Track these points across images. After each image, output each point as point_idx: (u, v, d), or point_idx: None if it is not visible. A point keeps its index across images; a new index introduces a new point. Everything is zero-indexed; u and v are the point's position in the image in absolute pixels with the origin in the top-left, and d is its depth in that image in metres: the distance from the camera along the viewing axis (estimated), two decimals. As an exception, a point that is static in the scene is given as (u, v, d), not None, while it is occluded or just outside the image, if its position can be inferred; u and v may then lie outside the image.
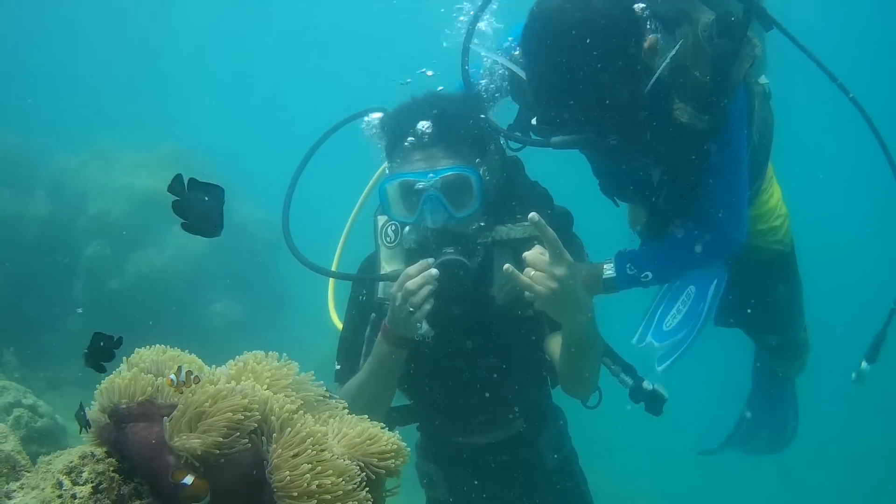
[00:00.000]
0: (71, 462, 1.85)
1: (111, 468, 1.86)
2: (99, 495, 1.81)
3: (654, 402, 3.60)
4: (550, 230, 3.02)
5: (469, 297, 3.39)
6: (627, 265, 3.39)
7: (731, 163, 3.34)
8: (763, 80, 3.77)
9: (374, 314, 3.54)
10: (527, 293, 3.17)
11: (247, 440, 1.79)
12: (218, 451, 1.75)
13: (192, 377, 1.88)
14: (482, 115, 3.41)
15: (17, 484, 1.92)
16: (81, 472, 1.83)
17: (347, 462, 1.85)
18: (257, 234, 11.56)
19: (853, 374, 4.46)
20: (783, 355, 4.56)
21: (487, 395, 3.61)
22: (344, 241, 3.92)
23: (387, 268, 3.48)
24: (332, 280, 3.85)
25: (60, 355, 9.09)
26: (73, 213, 10.85)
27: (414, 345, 3.43)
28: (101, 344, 1.96)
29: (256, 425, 1.82)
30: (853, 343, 4.77)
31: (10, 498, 1.86)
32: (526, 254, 3.10)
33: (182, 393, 1.86)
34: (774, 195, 4.11)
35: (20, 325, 9.39)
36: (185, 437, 1.76)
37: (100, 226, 10.62)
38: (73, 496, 1.79)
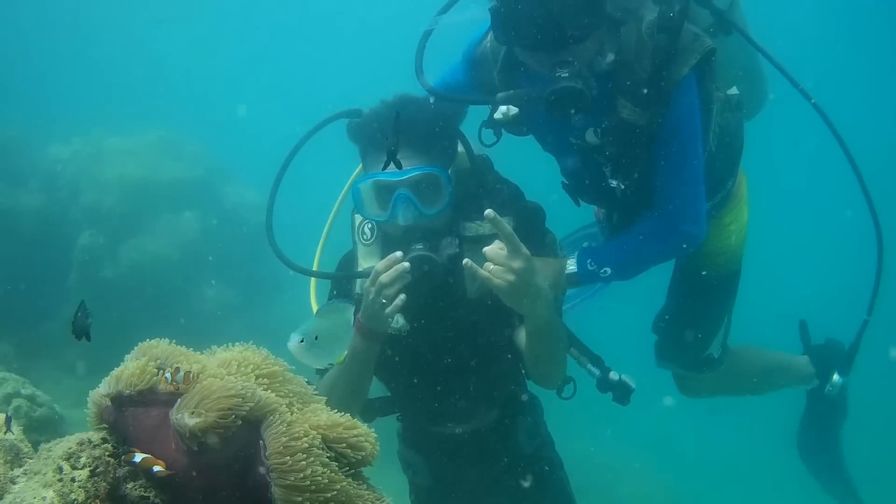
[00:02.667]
0: (70, 448, 1.98)
1: (107, 453, 1.99)
2: (96, 478, 1.94)
3: (621, 393, 3.74)
4: (506, 225, 3.15)
5: (441, 291, 3.54)
6: (588, 261, 3.51)
7: (683, 158, 3.45)
8: (733, 90, 3.88)
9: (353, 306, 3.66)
10: (496, 282, 3.31)
11: (240, 422, 1.91)
12: (211, 430, 1.88)
13: (191, 376, 2.01)
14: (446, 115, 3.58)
15: (21, 470, 2.05)
16: (80, 457, 1.97)
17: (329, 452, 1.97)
18: (249, 218, 11.56)
19: (827, 388, 4.59)
20: (688, 361, 4.57)
21: (463, 385, 3.75)
22: (324, 241, 4.03)
23: (363, 264, 3.64)
24: (313, 281, 3.95)
25: (57, 344, 9.10)
26: (66, 204, 10.87)
27: (390, 338, 3.57)
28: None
29: (248, 412, 1.93)
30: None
31: (14, 483, 2.00)
32: (485, 248, 3.24)
33: (177, 390, 1.99)
34: (738, 218, 4.23)
35: (17, 317, 9.41)
36: (182, 415, 1.89)
37: (93, 215, 10.63)
38: (73, 479, 1.91)
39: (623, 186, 3.57)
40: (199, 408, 1.89)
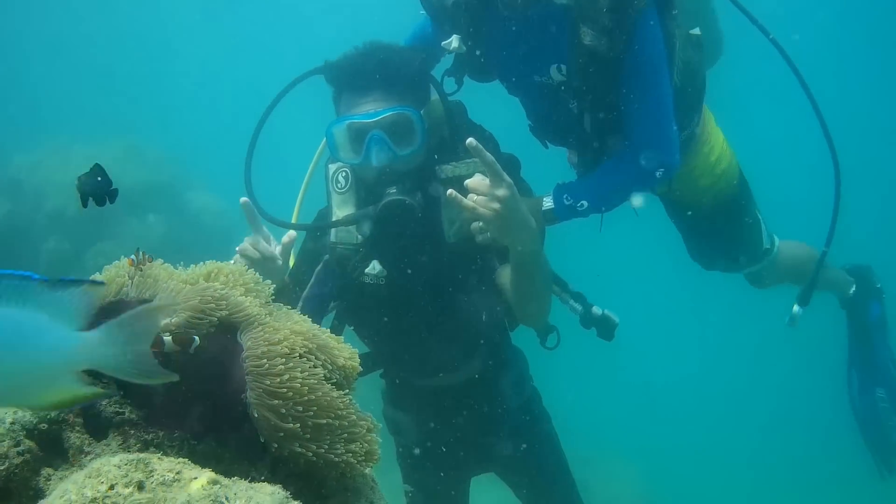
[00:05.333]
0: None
1: (78, 372, 1.94)
2: (69, 395, 1.90)
3: (604, 328, 3.72)
4: (487, 153, 3.12)
5: (418, 236, 3.53)
6: (564, 196, 3.50)
7: (651, 87, 3.43)
8: (695, 31, 3.86)
9: (326, 256, 3.68)
10: (473, 225, 3.31)
11: (215, 320, 1.87)
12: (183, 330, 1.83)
13: (147, 256, 1.98)
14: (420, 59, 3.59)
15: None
16: (51, 377, 1.92)
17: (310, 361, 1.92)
18: (213, 223, 11.57)
19: (787, 319, 4.63)
20: (750, 262, 4.71)
21: (443, 334, 3.73)
22: (303, 194, 4.02)
23: (339, 213, 3.62)
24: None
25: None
26: (31, 211, 10.83)
27: (368, 287, 3.59)
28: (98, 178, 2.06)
29: (223, 315, 1.89)
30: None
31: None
32: (467, 181, 3.20)
33: (142, 271, 1.95)
34: (715, 148, 4.26)
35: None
36: (154, 315, 1.84)
37: (58, 221, 10.60)
38: (43, 401, 1.87)
39: (591, 122, 3.58)
40: (171, 309, 1.84)
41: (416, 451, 4.18)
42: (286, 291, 3.63)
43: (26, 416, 1.80)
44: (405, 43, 3.90)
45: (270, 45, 24.90)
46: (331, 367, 1.97)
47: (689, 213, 4.37)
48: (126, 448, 1.83)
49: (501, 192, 3.13)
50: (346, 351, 2.04)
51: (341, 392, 1.94)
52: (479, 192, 3.16)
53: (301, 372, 1.85)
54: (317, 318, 3.47)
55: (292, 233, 3.31)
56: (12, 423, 1.78)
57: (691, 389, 18.45)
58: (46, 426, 1.83)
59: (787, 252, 4.78)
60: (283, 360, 1.84)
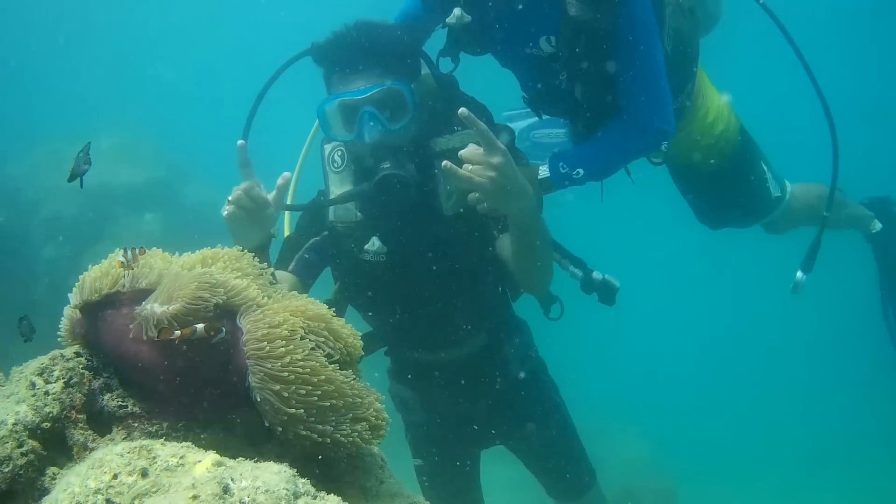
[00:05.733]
0: (42, 364, 1.92)
1: (80, 365, 1.92)
2: (71, 389, 1.88)
3: (605, 292, 3.72)
4: (480, 122, 3.09)
5: (415, 209, 3.52)
6: (560, 164, 3.49)
7: (643, 55, 3.43)
8: None
9: (325, 231, 3.69)
10: (470, 196, 3.29)
11: (211, 306, 1.84)
12: (180, 319, 1.80)
13: (138, 250, 1.96)
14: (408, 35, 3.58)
15: (-6, 397, 1.99)
16: (53, 371, 1.90)
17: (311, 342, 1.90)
18: (212, 217, 11.51)
19: (790, 286, 4.62)
20: (763, 214, 4.72)
21: (446, 308, 3.72)
22: (297, 176, 4.01)
23: (335, 192, 3.62)
24: (287, 214, 3.95)
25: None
26: (27, 219, 10.78)
27: (368, 265, 3.58)
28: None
29: (221, 300, 1.87)
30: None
31: (-13, 410, 1.93)
32: (461, 151, 3.18)
33: (132, 269, 1.93)
34: (711, 110, 4.26)
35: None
36: (151, 305, 1.82)
37: (55, 227, 10.55)
38: (47, 393, 1.85)
39: (582, 93, 3.58)
40: (168, 296, 1.82)
41: (424, 426, 4.19)
42: (284, 256, 3.69)
43: (28, 415, 1.79)
44: (397, 16, 3.90)
45: (259, 33, 24.83)
46: (333, 346, 1.95)
47: (695, 175, 4.41)
48: (130, 441, 1.81)
49: (496, 159, 3.11)
50: (348, 329, 2.02)
51: (345, 371, 1.93)
52: (473, 161, 3.14)
53: (302, 353, 1.82)
54: (307, 281, 3.60)
55: (286, 174, 3.29)
56: (14, 424, 1.77)
57: (700, 356, 18.50)
58: (49, 425, 1.82)
59: (800, 196, 4.77)
60: (284, 342, 1.82)
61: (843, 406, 14.42)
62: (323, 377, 1.84)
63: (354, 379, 1.94)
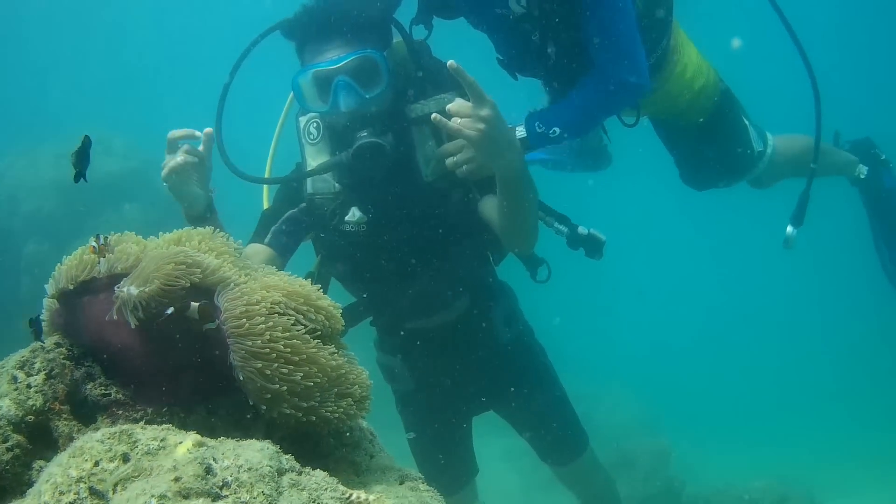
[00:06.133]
0: (23, 357, 1.89)
1: (61, 356, 1.90)
2: (53, 380, 1.86)
3: (591, 247, 3.72)
4: (468, 75, 3.11)
5: (395, 177, 3.54)
6: (536, 123, 3.48)
7: (613, 10, 3.43)
8: None
9: (303, 203, 3.70)
10: (449, 161, 3.36)
11: (187, 285, 1.82)
12: (156, 299, 1.79)
13: (112, 236, 1.95)
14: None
15: (-25, 395, 1.97)
16: (34, 363, 1.88)
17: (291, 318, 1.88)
18: (190, 204, 11.50)
19: (782, 240, 4.63)
20: (739, 170, 4.71)
21: (428, 275, 3.74)
22: (273, 150, 4.02)
23: (312, 164, 3.64)
24: (265, 188, 3.96)
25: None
26: (7, 216, 10.73)
27: (349, 235, 3.62)
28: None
29: (198, 280, 1.85)
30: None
31: (-31, 405, 1.91)
32: (448, 105, 3.20)
33: (105, 255, 1.91)
34: (689, 65, 4.24)
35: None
36: (128, 287, 1.80)
37: (35, 223, 10.51)
38: (29, 385, 1.83)
39: (555, 51, 3.57)
40: (143, 278, 1.80)
41: (413, 394, 4.21)
42: (260, 229, 3.71)
43: (11, 409, 1.77)
44: None
45: (229, 18, 24.74)
46: (314, 320, 1.93)
47: (677, 132, 4.44)
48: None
49: (485, 111, 3.13)
50: (328, 301, 2.01)
51: (328, 346, 1.91)
52: (462, 114, 3.16)
53: (283, 331, 1.81)
54: (284, 254, 3.62)
55: (208, 129, 3.30)
56: (-2, 419, 1.75)
57: (690, 315, 18.56)
58: (33, 418, 1.80)
59: (784, 149, 4.77)
60: (263, 318, 1.80)
61: (836, 357, 14.51)
62: (305, 354, 1.82)
63: (338, 353, 1.93)
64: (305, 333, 1.86)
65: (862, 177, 5.07)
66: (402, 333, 3.99)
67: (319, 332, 1.93)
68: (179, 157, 3.20)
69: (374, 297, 3.91)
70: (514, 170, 3.29)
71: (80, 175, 2.16)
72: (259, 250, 3.61)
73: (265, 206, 3.88)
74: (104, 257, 1.91)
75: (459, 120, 3.14)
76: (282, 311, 1.85)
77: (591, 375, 10.60)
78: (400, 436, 4.21)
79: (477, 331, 3.97)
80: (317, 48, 3.47)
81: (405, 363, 4.10)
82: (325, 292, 3.58)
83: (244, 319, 1.78)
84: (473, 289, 3.91)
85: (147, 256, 1.87)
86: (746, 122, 4.53)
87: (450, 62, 3.08)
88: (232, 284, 1.86)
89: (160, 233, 2.10)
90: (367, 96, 3.42)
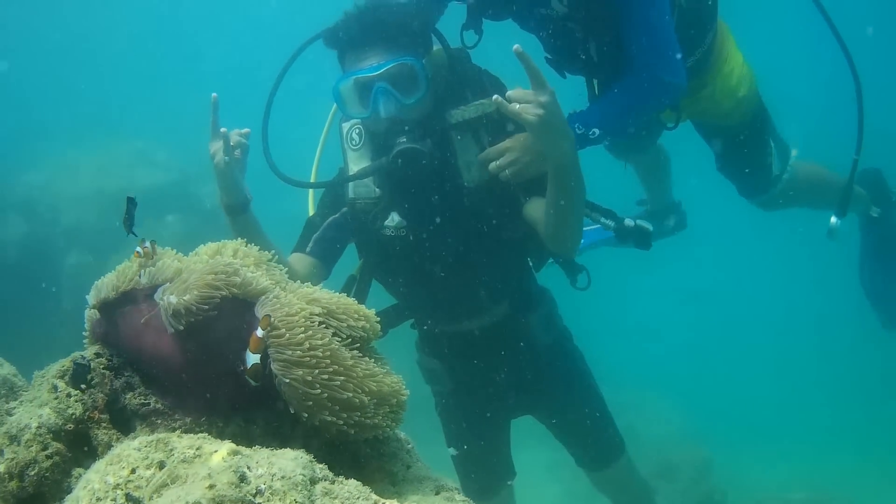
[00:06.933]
0: (63, 366, 1.93)
1: (101, 366, 1.94)
2: (93, 390, 1.89)
3: (640, 238, 3.73)
4: (531, 60, 3.12)
5: (435, 182, 3.59)
6: (576, 125, 3.49)
7: (648, 10, 3.48)
8: None
9: (345, 208, 3.76)
10: (492, 166, 3.44)
11: (223, 293, 1.84)
12: (195, 307, 1.81)
13: (152, 243, 1.98)
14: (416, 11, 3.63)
15: (17, 402, 2.01)
16: (74, 372, 1.92)
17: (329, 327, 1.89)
18: (231, 215, 11.57)
19: (825, 231, 4.61)
20: (756, 187, 4.75)
21: (468, 279, 3.78)
22: (319, 155, 4.10)
23: (354, 169, 3.69)
24: (310, 194, 4.03)
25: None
26: (48, 228, 10.80)
27: (390, 239, 3.68)
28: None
29: (237, 290, 1.87)
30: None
31: (10, 415, 1.94)
32: (509, 91, 3.21)
33: (150, 260, 1.95)
34: (735, 70, 4.27)
35: (15, 349, 9.32)
36: (168, 296, 1.83)
37: (76, 235, 10.57)
38: (69, 395, 1.86)
39: (596, 50, 3.66)
40: (183, 287, 1.82)
41: (452, 396, 4.25)
42: (303, 238, 3.79)
43: (51, 418, 1.80)
44: None
45: (265, 25, 24.87)
46: (353, 328, 1.95)
47: (733, 124, 4.44)
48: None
49: (545, 97, 3.14)
50: (364, 311, 2.02)
51: (365, 356, 1.93)
52: (521, 100, 3.17)
53: (321, 339, 1.82)
54: (327, 261, 3.71)
55: (246, 129, 3.43)
56: (38, 428, 1.78)
57: (733, 324, 18.40)
58: (73, 426, 1.83)
59: (802, 176, 4.80)
60: (302, 329, 1.82)
61: (886, 368, 14.31)
62: (343, 364, 1.84)
63: (374, 361, 1.95)
64: (343, 344, 1.88)
65: (875, 216, 5.15)
66: (442, 335, 4.04)
67: (358, 344, 1.95)
68: (233, 140, 3.34)
69: (414, 300, 3.97)
70: (567, 160, 3.29)
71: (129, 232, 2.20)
72: (302, 259, 3.70)
73: (310, 212, 3.94)
74: (149, 260, 1.95)
75: (518, 106, 3.15)
76: (321, 321, 1.87)
77: (632, 383, 10.54)
78: (437, 442, 4.22)
79: (515, 335, 3.98)
80: (357, 55, 3.52)
81: (444, 365, 4.13)
82: (366, 294, 3.65)
83: (284, 330, 1.79)
84: (512, 294, 3.93)
85: (187, 269, 1.89)
86: (772, 144, 4.56)
87: (515, 46, 3.06)
88: (272, 296, 1.88)
89: (200, 245, 2.13)
90: (406, 102, 3.47)
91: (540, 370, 4.08)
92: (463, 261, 3.73)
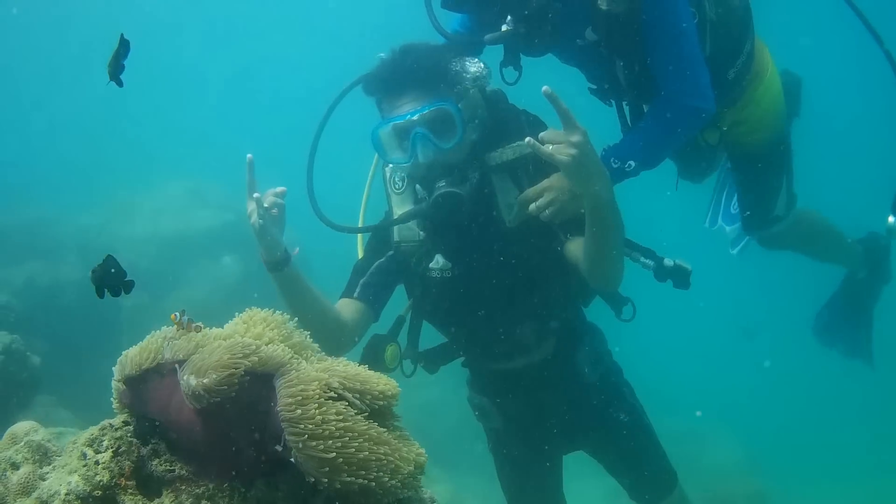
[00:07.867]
0: (92, 435, 2.02)
1: (128, 434, 2.02)
2: (119, 458, 1.97)
3: (679, 277, 3.72)
4: (562, 101, 3.15)
5: (477, 224, 3.64)
6: (612, 159, 3.54)
7: (672, 38, 3.51)
8: None
9: (391, 251, 3.83)
10: (532, 206, 3.45)
11: (243, 375, 1.90)
12: (214, 389, 1.86)
13: (188, 319, 2.06)
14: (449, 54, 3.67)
15: (50, 467, 2.09)
16: (102, 441, 2.00)
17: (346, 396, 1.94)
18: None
19: (884, 230, 4.62)
20: (757, 221, 4.71)
21: (513, 318, 3.82)
22: (366, 200, 4.13)
23: (398, 212, 3.74)
24: (359, 239, 4.08)
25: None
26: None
27: (436, 282, 3.74)
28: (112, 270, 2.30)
29: (253, 366, 1.92)
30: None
31: (44, 479, 2.03)
32: (542, 133, 3.25)
33: (187, 331, 2.05)
34: (769, 90, 4.31)
35: (77, 389, 9.45)
36: (188, 377, 1.89)
37: (133, 275, 10.70)
38: (97, 462, 1.94)
39: (628, 77, 3.72)
40: (202, 368, 1.89)
41: (502, 432, 4.26)
42: (351, 282, 3.83)
43: (80, 485, 1.88)
44: (453, 30, 4.00)
45: (308, 61, 25.04)
46: (373, 396, 1.99)
47: (750, 146, 4.41)
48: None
49: (576, 137, 3.17)
50: (382, 380, 2.06)
51: (383, 426, 1.97)
52: (554, 140, 3.21)
53: (336, 414, 1.87)
54: (375, 304, 3.76)
55: (281, 188, 3.43)
56: (67, 494, 1.87)
57: (791, 355, 18.15)
58: (101, 493, 1.90)
59: (806, 223, 4.83)
60: (316, 404, 1.86)
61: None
62: (358, 433, 1.88)
63: (391, 431, 1.99)
64: (359, 415, 1.92)
65: (859, 277, 5.25)
66: (490, 374, 4.08)
67: (375, 412, 2.00)
68: (267, 201, 3.36)
69: (462, 339, 4.00)
70: (603, 199, 3.31)
71: (115, 78, 2.21)
72: (350, 304, 3.74)
73: (360, 254, 4.00)
74: (181, 329, 2.06)
75: (551, 147, 3.19)
76: (336, 396, 1.92)
77: (685, 415, 10.45)
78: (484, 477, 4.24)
79: (562, 373, 3.99)
80: (393, 101, 3.58)
81: (492, 402, 4.16)
82: (418, 333, 3.68)
83: (296, 406, 1.85)
84: (559, 332, 3.93)
85: (207, 345, 1.96)
86: (784, 182, 4.54)
87: (544, 88, 3.10)
88: (288, 368, 1.93)
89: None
90: (444, 147, 3.51)
91: (587, 407, 4.09)
92: (508, 300, 3.77)
